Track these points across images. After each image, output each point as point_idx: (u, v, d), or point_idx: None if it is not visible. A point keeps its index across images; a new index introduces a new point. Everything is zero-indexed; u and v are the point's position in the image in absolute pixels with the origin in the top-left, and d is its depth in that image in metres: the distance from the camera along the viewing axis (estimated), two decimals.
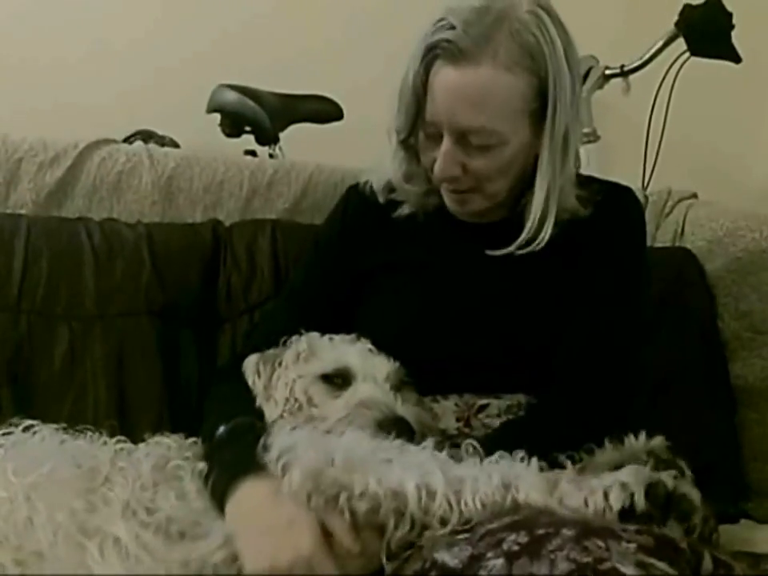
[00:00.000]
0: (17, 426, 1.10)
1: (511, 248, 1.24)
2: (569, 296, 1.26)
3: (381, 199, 1.36)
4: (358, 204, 1.40)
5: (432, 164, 1.24)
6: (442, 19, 1.17)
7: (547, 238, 1.23)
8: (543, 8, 1.19)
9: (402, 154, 1.30)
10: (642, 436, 1.12)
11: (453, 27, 1.16)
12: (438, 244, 1.34)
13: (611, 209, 1.31)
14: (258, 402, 1.19)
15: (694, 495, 0.94)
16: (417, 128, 1.23)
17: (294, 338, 1.25)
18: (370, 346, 1.21)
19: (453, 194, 1.27)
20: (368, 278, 1.34)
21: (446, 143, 1.20)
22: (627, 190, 1.36)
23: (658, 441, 1.12)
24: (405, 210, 1.35)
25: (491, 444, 1.07)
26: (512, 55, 1.16)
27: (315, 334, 1.25)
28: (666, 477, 0.93)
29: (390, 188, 1.36)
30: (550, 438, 1.15)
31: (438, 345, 1.26)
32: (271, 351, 1.25)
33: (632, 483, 0.91)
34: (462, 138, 1.19)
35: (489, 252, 1.26)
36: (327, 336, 1.24)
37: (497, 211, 1.32)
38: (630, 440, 1.12)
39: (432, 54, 1.18)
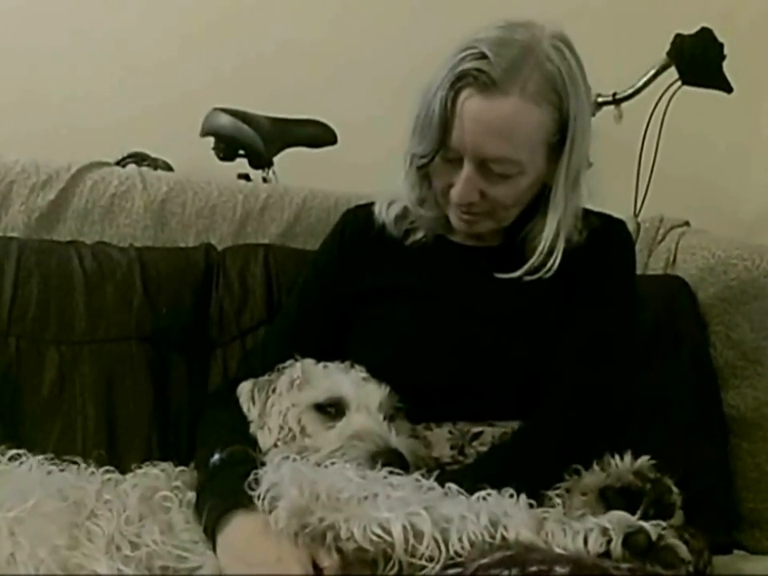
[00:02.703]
0: (3, 454, 1.09)
1: (518, 273, 1.26)
2: (563, 324, 1.27)
3: (394, 232, 1.36)
4: (355, 228, 1.41)
5: (446, 188, 1.25)
6: (470, 47, 1.19)
7: (555, 266, 1.25)
8: (563, 41, 1.22)
9: (416, 179, 1.31)
10: (628, 457, 1.13)
11: (483, 56, 1.17)
12: (434, 269, 1.35)
13: (605, 240, 1.33)
14: (253, 429, 1.18)
15: (680, 549, 0.93)
16: (437, 154, 1.24)
17: (289, 363, 1.24)
18: (363, 374, 1.21)
19: (465, 215, 1.28)
20: (363, 303, 1.34)
21: (468, 169, 1.21)
22: (620, 223, 1.39)
23: (644, 461, 1.13)
24: (417, 235, 1.36)
25: (479, 470, 1.08)
26: (539, 88, 1.18)
27: (310, 361, 1.24)
28: (652, 527, 0.92)
29: (403, 215, 1.36)
30: (537, 463, 1.15)
31: (432, 371, 1.26)
32: (265, 378, 1.24)
33: (613, 529, 0.91)
34: (483, 166, 1.21)
35: (497, 275, 1.28)
36: (322, 364, 1.24)
37: (495, 236, 1.33)
38: (616, 461, 1.13)
39: (463, 83, 1.18)
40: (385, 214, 1.37)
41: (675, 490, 1.11)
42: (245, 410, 1.21)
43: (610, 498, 1.09)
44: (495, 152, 1.19)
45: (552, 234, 1.25)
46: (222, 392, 1.32)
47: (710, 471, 1.58)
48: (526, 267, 1.26)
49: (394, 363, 1.25)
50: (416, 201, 1.33)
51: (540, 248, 1.25)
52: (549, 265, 1.25)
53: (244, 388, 1.24)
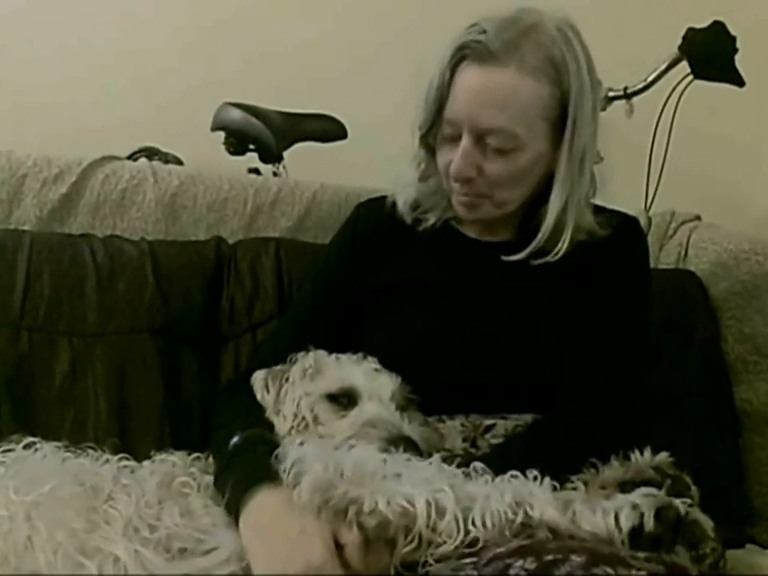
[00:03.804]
0: (17, 442, 1.09)
1: (523, 254, 1.25)
2: (577, 318, 1.26)
3: (408, 219, 1.36)
4: (368, 221, 1.41)
5: (448, 165, 1.25)
6: (474, 24, 1.21)
7: (563, 250, 1.24)
8: (571, 28, 1.22)
9: (422, 155, 1.31)
10: (648, 452, 1.13)
11: (484, 31, 1.19)
12: (448, 263, 1.34)
13: (620, 237, 1.32)
14: (268, 414, 1.19)
15: (707, 523, 0.94)
16: (437, 126, 1.24)
17: (301, 354, 1.25)
18: (376, 365, 1.21)
19: (463, 197, 1.28)
20: (376, 296, 1.34)
21: (465, 142, 1.21)
22: (634, 220, 1.38)
23: (663, 456, 1.13)
24: (429, 222, 1.35)
25: (497, 459, 1.08)
26: (538, 63, 1.18)
27: (322, 352, 1.25)
28: (679, 502, 0.93)
29: (415, 206, 1.36)
30: (553, 454, 1.15)
31: (445, 365, 1.26)
32: (279, 367, 1.25)
33: (643, 505, 0.92)
34: (480, 140, 1.21)
35: (503, 258, 1.27)
36: (334, 355, 1.24)
37: (509, 229, 1.33)
38: (635, 456, 1.13)
39: (460, 54, 1.20)
40: (400, 201, 1.36)
41: (693, 487, 1.10)
42: (258, 397, 1.22)
43: (630, 492, 1.09)
44: (490, 122, 1.19)
45: (556, 213, 1.23)
46: (235, 383, 1.33)
47: (722, 466, 1.58)
48: (529, 248, 1.25)
49: (407, 357, 1.25)
50: (419, 176, 1.33)
51: (544, 227, 1.24)
52: (557, 248, 1.24)
53: (258, 376, 1.24)
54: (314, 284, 1.42)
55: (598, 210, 1.33)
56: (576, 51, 1.20)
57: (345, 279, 1.37)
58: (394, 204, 1.38)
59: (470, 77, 1.20)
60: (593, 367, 1.23)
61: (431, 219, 1.36)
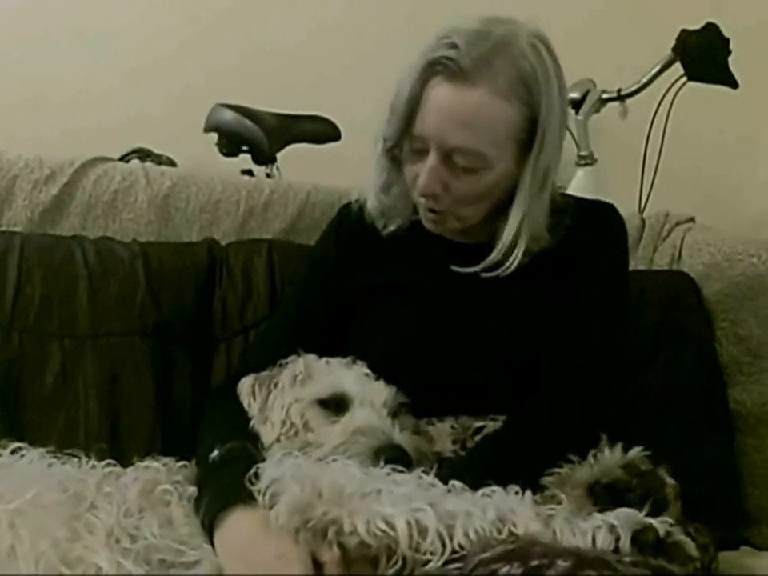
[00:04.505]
0: (4, 448, 1.08)
1: (476, 268, 1.26)
2: (555, 314, 1.26)
3: (378, 225, 1.35)
4: (352, 223, 1.40)
5: (415, 178, 1.24)
6: (445, 36, 1.19)
7: (514, 266, 1.24)
8: (542, 41, 1.21)
9: (385, 163, 1.30)
10: (618, 450, 1.12)
11: (455, 46, 1.17)
12: (429, 265, 1.34)
13: (591, 225, 1.32)
14: (254, 424, 1.18)
15: (687, 544, 0.92)
16: (404, 140, 1.24)
17: (291, 359, 1.24)
18: (366, 370, 1.21)
19: (429, 213, 1.28)
20: (361, 298, 1.34)
21: (432, 159, 1.20)
22: (608, 207, 1.37)
23: (635, 452, 1.11)
24: (392, 226, 1.35)
25: (472, 461, 1.08)
26: (510, 83, 1.17)
27: (312, 356, 1.24)
28: (660, 523, 0.92)
29: (381, 212, 1.36)
30: (527, 451, 1.15)
31: (433, 367, 1.26)
32: (266, 373, 1.24)
33: (620, 526, 0.90)
34: (448, 158, 1.20)
35: (454, 268, 1.27)
36: (324, 359, 1.23)
37: (482, 230, 1.31)
38: (604, 454, 1.11)
39: (432, 70, 1.19)
40: (369, 207, 1.36)
41: (670, 481, 1.09)
42: (245, 405, 1.20)
43: (598, 493, 1.07)
44: (458, 142, 1.18)
45: (513, 230, 1.23)
46: (223, 388, 1.31)
47: (716, 467, 1.58)
48: (483, 263, 1.25)
49: (393, 359, 1.24)
50: (381, 186, 1.32)
51: (499, 246, 1.24)
52: (507, 263, 1.24)
53: (245, 383, 1.23)
54: (301, 286, 1.42)
55: (571, 199, 1.34)
56: (547, 68, 1.19)
57: (330, 281, 1.37)
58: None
59: (440, 94, 1.18)
60: (570, 361, 1.23)
61: (393, 226, 1.35)
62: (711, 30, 1.97)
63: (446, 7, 2.52)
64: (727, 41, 1.96)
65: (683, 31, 2.00)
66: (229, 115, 2.21)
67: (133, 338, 1.48)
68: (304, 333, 1.32)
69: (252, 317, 1.56)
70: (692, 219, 1.91)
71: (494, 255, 1.24)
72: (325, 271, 1.39)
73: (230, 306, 1.56)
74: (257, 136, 2.20)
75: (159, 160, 2.33)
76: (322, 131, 2.31)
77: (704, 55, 1.99)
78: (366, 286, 1.34)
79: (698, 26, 1.98)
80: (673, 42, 2.01)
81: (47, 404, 1.41)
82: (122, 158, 2.20)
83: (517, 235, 1.23)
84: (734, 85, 1.98)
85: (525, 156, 1.22)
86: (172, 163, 2.34)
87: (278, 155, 2.29)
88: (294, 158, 2.31)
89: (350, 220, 1.41)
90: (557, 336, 1.25)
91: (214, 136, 2.26)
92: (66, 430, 1.39)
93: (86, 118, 2.50)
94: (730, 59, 1.97)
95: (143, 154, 2.36)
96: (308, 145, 2.31)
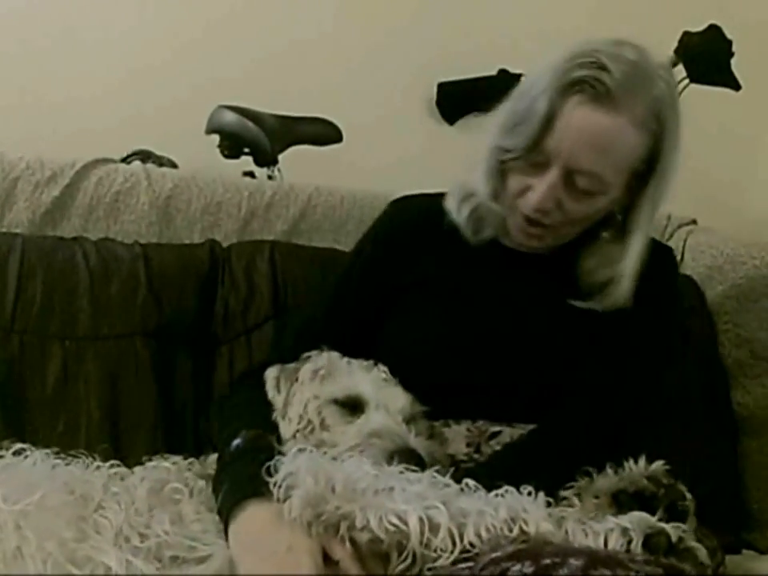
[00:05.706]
0: (7, 449, 1.08)
1: (597, 306, 1.26)
2: (594, 337, 1.26)
3: (467, 232, 1.33)
4: (403, 219, 1.39)
5: (520, 191, 1.23)
6: (588, 56, 1.17)
7: (628, 295, 1.25)
8: (666, 70, 1.23)
9: (496, 172, 1.27)
10: (642, 461, 1.12)
11: (603, 68, 1.15)
12: (474, 268, 1.33)
13: (651, 264, 1.30)
14: (275, 417, 1.18)
15: (700, 551, 0.92)
16: (529, 153, 1.21)
17: (314, 353, 1.24)
18: (384, 375, 1.20)
19: (530, 226, 1.25)
20: (399, 295, 1.33)
21: (553, 176, 1.19)
22: (666, 250, 1.41)
23: (658, 465, 1.11)
24: (484, 234, 1.32)
25: (492, 467, 1.07)
26: (645, 114, 1.18)
27: (336, 354, 1.23)
28: (672, 528, 0.92)
29: (475, 213, 1.32)
30: (548, 462, 1.15)
31: (457, 369, 1.25)
32: (291, 365, 1.23)
33: (632, 529, 0.90)
34: (569, 177, 1.19)
35: (570, 302, 1.27)
36: (345, 359, 1.23)
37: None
38: (629, 465, 1.11)
39: (575, 89, 1.17)
40: (456, 212, 1.33)
41: (688, 496, 1.09)
42: (270, 397, 1.20)
43: (623, 501, 1.07)
44: (588, 165, 1.18)
45: (635, 261, 1.24)
46: (253, 373, 1.30)
47: (719, 470, 1.58)
48: (603, 301, 1.26)
49: (420, 359, 1.25)
50: (490, 193, 1.29)
51: (626, 276, 1.25)
52: (627, 295, 1.25)
53: (270, 374, 1.23)
54: (342, 280, 1.40)
55: None
56: (675, 101, 1.21)
57: (375, 275, 1.35)
58: (433, 205, 1.35)
59: (581, 114, 1.16)
60: (603, 384, 1.23)
61: (485, 233, 1.33)
62: (713, 31, 1.97)
63: (446, 9, 2.54)
64: (730, 43, 1.96)
65: (685, 33, 1.99)
66: (230, 117, 2.21)
67: (134, 339, 1.48)
68: (338, 327, 1.32)
69: (254, 318, 1.56)
70: (694, 221, 1.90)
71: (624, 286, 1.25)
72: (371, 265, 1.37)
73: (231, 307, 1.56)
74: (258, 138, 2.20)
75: (161, 162, 2.33)
76: (324, 133, 2.31)
77: (706, 57, 1.98)
78: (406, 282, 1.33)
79: (700, 28, 1.98)
80: (675, 44, 2.01)
81: (48, 405, 1.41)
82: (123, 160, 2.20)
83: (636, 263, 1.25)
84: (736, 87, 1.98)
85: (638, 185, 1.23)
86: (173, 165, 2.34)
87: (280, 157, 2.29)
88: (296, 159, 2.31)
89: (402, 216, 1.40)
90: (595, 362, 1.24)
91: (216, 138, 2.26)
92: (67, 431, 1.39)
93: (87, 119, 2.50)
94: (733, 61, 1.96)
95: (145, 156, 2.36)
96: (310, 146, 2.31)
